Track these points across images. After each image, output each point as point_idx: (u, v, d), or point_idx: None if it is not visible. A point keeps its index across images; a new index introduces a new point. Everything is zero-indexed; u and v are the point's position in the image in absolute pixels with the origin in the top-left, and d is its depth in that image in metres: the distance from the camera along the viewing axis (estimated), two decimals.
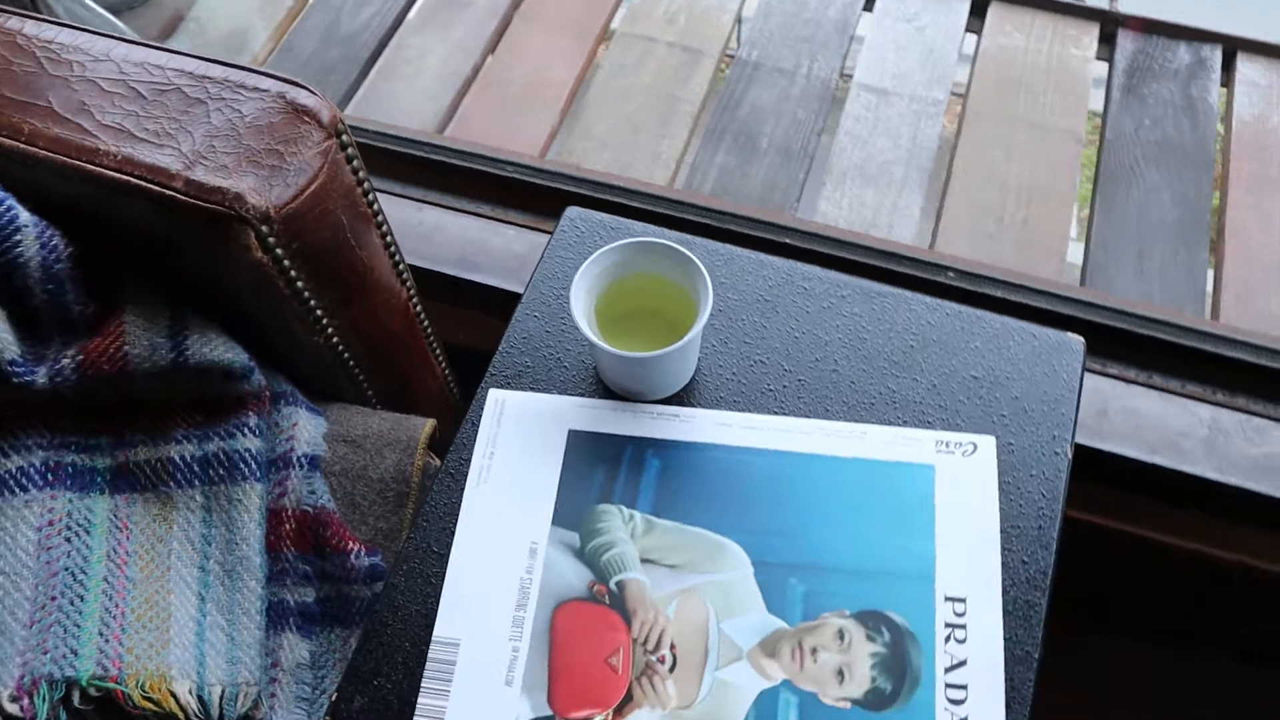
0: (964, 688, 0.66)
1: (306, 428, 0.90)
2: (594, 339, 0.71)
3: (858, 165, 1.35)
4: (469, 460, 0.75)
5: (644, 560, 0.70)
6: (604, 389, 0.78)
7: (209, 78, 0.81)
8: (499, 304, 1.16)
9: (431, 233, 1.21)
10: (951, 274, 1.13)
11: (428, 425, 0.95)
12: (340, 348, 0.93)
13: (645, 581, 0.69)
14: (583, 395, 0.77)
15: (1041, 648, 0.69)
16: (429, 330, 1.07)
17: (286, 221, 0.78)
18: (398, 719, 0.67)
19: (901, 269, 1.13)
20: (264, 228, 0.77)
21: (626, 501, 0.72)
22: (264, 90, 0.81)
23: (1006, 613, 0.69)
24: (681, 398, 0.77)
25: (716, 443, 0.74)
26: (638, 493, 0.72)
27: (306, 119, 0.80)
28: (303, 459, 0.88)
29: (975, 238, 1.27)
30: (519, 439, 0.75)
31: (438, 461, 0.96)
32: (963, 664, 0.67)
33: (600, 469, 0.73)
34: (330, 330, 0.90)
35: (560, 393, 0.78)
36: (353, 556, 0.86)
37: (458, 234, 1.20)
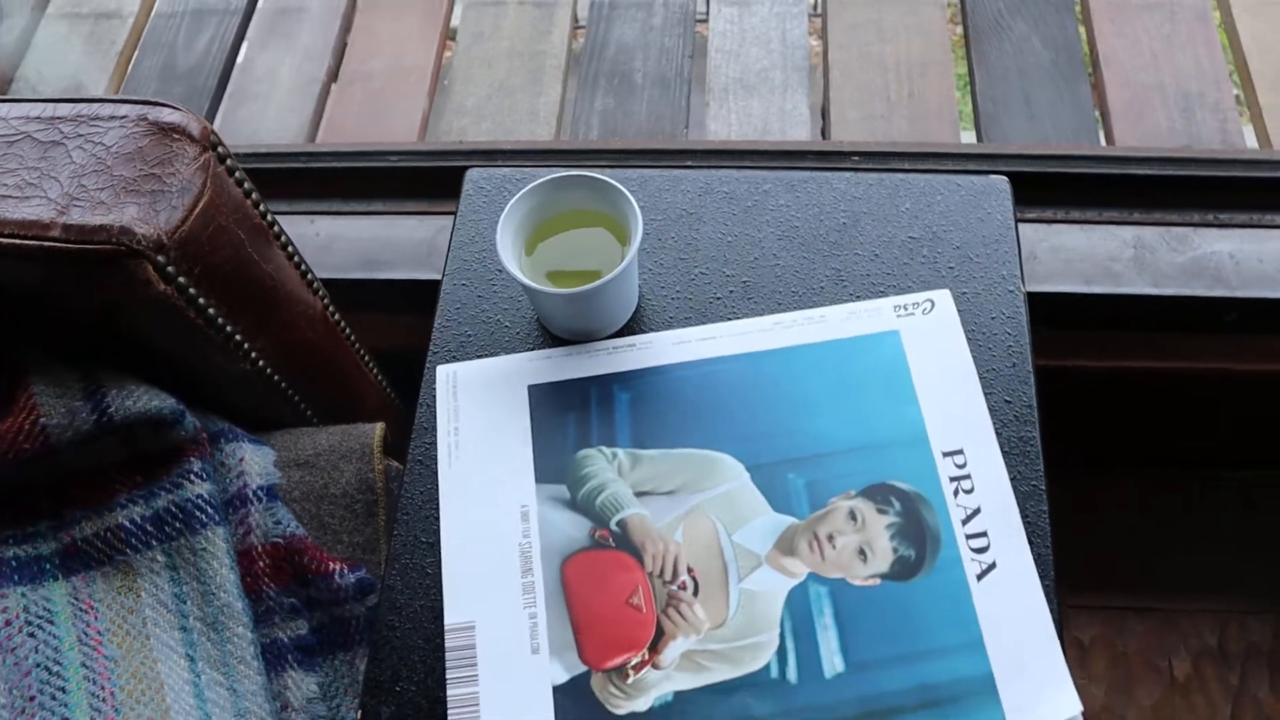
0: (984, 535, 0.65)
1: (254, 460, 0.86)
2: (532, 284, 0.68)
3: (736, 79, 1.33)
4: (434, 443, 0.72)
5: (639, 494, 0.67)
6: (552, 338, 0.75)
7: (59, 118, 0.76)
8: (417, 296, 1.12)
9: (329, 242, 1.16)
10: (856, 158, 1.12)
11: (378, 429, 0.91)
12: (268, 370, 0.88)
13: (646, 514, 0.67)
14: (533, 349, 0.75)
15: (1046, 480, 0.68)
16: (353, 338, 1.03)
17: (182, 246, 0.74)
18: (430, 718, 0.64)
19: (806, 164, 1.12)
20: (160, 257, 0.72)
21: (605, 441, 0.69)
22: (122, 116, 0.76)
23: (1005, 453, 0.68)
24: (632, 328, 0.75)
25: (679, 361, 0.72)
26: (614, 430, 0.70)
27: (176, 135, 0.76)
28: (259, 492, 0.84)
29: (868, 122, 1.27)
30: (480, 408, 0.72)
31: (397, 464, 0.92)
32: (976, 513, 0.66)
33: (570, 416, 0.71)
34: (254, 354, 0.86)
35: (508, 353, 0.75)
36: (337, 576, 0.82)
37: (356, 237, 1.16)
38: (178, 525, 0.81)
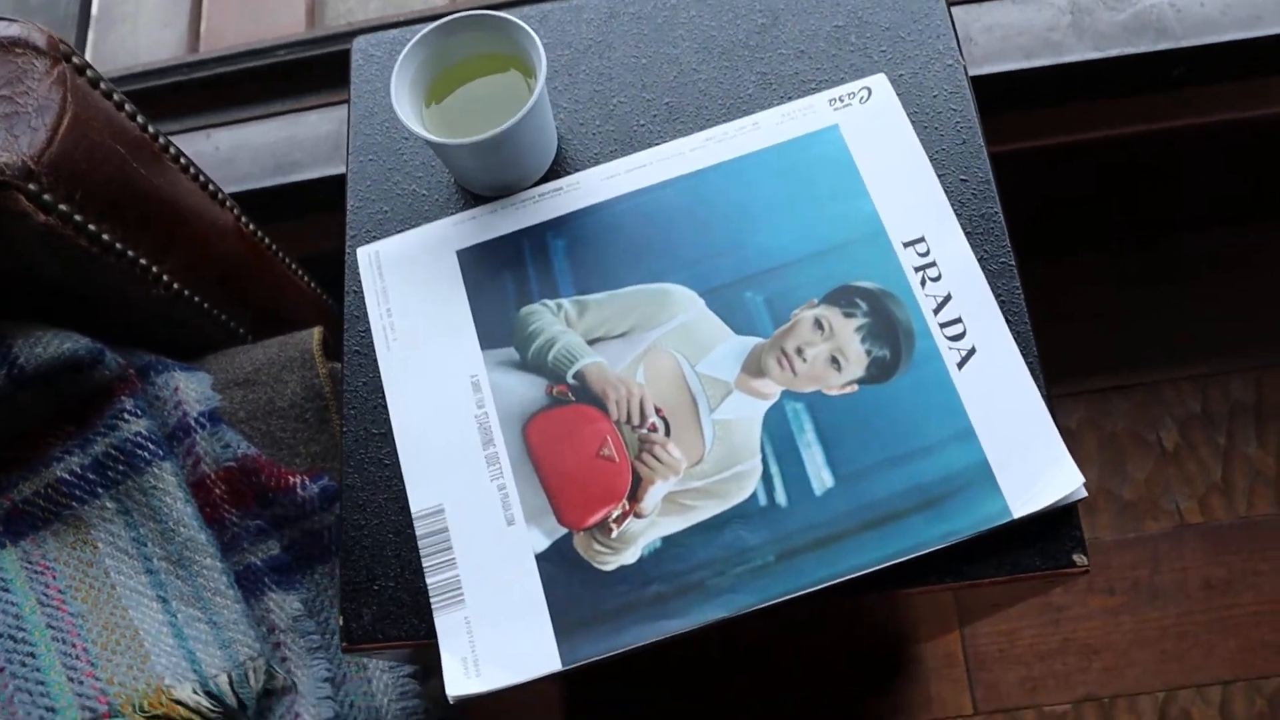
0: (958, 321, 0.62)
1: (190, 388, 0.81)
2: (436, 138, 0.62)
3: None
4: (368, 331, 0.67)
5: (591, 341, 0.63)
6: (474, 198, 0.70)
7: None
8: (336, 193, 1.05)
9: (233, 155, 1.09)
10: None
11: (316, 333, 0.86)
12: (186, 292, 0.83)
13: (602, 361, 0.62)
14: (455, 213, 0.69)
15: (1016, 254, 0.65)
16: (275, 248, 0.97)
17: (54, 169, 0.67)
18: (414, 611, 0.61)
19: None
20: (32, 185, 0.66)
21: (547, 294, 0.65)
22: None
23: (967, 234, 0.64)
24: (556, 172, 0.70)
25: (612, 196, 0.67)
26: (555, 280, 0.65)
27: (18, 51, 0.68)
28: (201, 419, 0.79)
29: None
30: (409, 284, 0.67)
31: (341, 366, 0.88)
32: (947, 300, 0.62)
33: (506, 275, 0.66)
34: (165, 277, 0.80)
35: (430, 222, 0.70)
36: (299, 490, 0.78)
37: (260, 143, 1.08)
38: (120, 468, 0.76)
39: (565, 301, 0.64)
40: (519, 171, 0.68)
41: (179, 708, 0.69)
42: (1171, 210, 1.28)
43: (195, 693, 0.70)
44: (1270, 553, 1.23)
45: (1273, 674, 1.17)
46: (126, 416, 0.77)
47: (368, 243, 0.70)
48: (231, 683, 0.72)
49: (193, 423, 0.79)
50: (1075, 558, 0.58)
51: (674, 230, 0.65)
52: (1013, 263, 0.64)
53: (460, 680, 0.57)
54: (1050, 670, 1.20)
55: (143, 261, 0.77)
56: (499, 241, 0.67)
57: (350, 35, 1.07)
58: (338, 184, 1.06)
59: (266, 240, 0.95)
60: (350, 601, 0.62)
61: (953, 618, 1.05)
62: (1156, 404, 1.31)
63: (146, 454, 0.76)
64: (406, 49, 0.65)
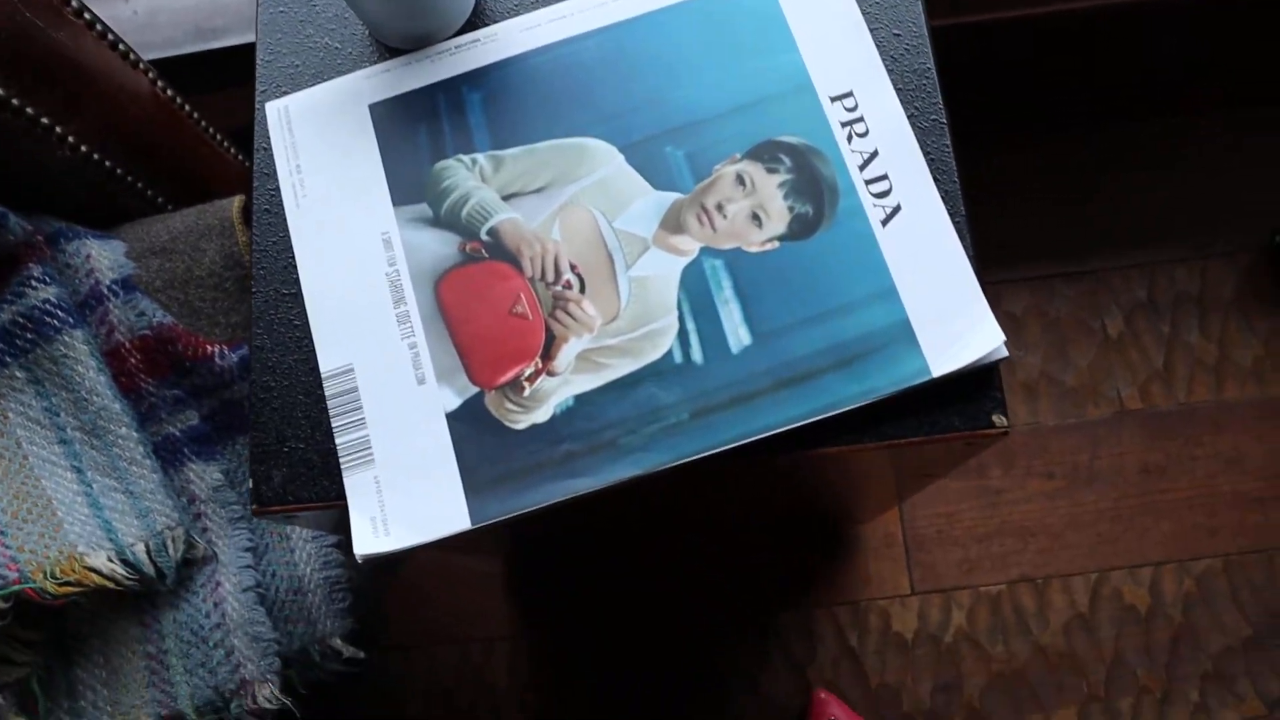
0: (884, 178, 0.60)
1: (102, 255, 0.78)
2: None
3: None
4: (278, 188, 0.65)
5: (506, 197, 0.61)
6: (389, 51, 0.67)
7: None
8: None
9: (151, 18, 1.04)
10: None
11: (236, 201, 0.83)
12: (96, 156, 0.79)
13: (517, 217, 0.60)
14: (368, 65, 0.66)
15: (948, 112, 0.63)
16: (198, 117, 0.93)
17: None
18: (324, 472, 0.59)
19: None
20: None
21: (462, 149, 0.62)
22: None
23: (898, 90, 0.62)
24: (474, 23, 0.67)
25: (531, 49, 0.64)
26: (470, 134, 0.62)
27: None
28: (113, 286, 0.77)
29: None
30: (319, 139, 0.64)
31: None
32: (874, 156, 0.60)
33: (420, 129, 0.63)
34: (72, 139, 0.77)
35: (343, 74, 0.66)
36: (217, 359, 0.76)
37: (180, 7, 1.03)
38: (29, 336, 0.74)
39: (480, 156, 0.62)
40: (435, 20, 0.65)
41: (93, 575, 0.68)
42: (1123, 95, 1.26)
43: (110, 560, 0.69)
44: (1206, 439, 1.25)
45: (1202, 555, 1.20)
46: (34, 283, 0.74)
47: (278, 98, 0.67)
48: (149, 551, 0.70)
49: (105, 291, 0.76)
50: (995, 419, 0.57)
51: (594, 83, 0.63)
52: (944, 120, 0.62)
53: (369, 539, 0.56)
54: (987, 552, 1.22)
55: (44, 120, 0.74)
56: (413, 95, 0.64)
57: None
58: None
59: (187, 108, 0.91)
60: (260, 464, 0.60)
61: (891, 494, 1.06)
62: (1103, 291, 1.31)
63: (56, 322, 0.73)
64: None
